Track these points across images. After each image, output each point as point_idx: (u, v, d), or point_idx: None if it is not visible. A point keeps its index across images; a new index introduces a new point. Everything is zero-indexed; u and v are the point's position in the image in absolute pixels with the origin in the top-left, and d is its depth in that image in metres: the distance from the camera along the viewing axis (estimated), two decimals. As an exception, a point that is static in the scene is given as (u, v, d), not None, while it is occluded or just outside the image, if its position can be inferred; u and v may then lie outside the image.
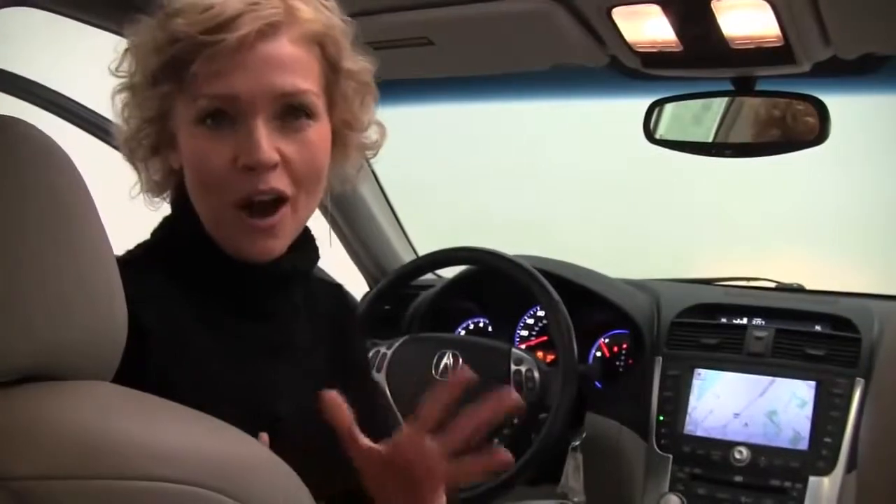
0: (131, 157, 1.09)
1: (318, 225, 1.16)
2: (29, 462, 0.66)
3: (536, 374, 1.88)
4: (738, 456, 1.83)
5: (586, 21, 1.42)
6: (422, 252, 2.40)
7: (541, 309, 2.18)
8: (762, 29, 1.36)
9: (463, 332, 2.31)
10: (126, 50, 1.05)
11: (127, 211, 1.11)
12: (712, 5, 1.32)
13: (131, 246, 1.09)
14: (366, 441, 0.97)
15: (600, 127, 2.89)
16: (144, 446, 0.70)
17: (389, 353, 1.95)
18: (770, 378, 1.88)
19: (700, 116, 1.71)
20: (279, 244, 1.04)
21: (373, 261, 2.42)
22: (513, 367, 1.89)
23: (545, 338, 2.22)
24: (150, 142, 1.07)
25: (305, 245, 1.12)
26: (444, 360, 1.93)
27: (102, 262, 0.77)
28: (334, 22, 1.06)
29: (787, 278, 2.24)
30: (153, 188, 1.11)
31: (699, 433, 1.89)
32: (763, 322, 1.98)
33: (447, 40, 1.57)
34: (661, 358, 1.99)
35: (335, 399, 0.95)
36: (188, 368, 0.85)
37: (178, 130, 1.04)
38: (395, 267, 2.31)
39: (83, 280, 0.74)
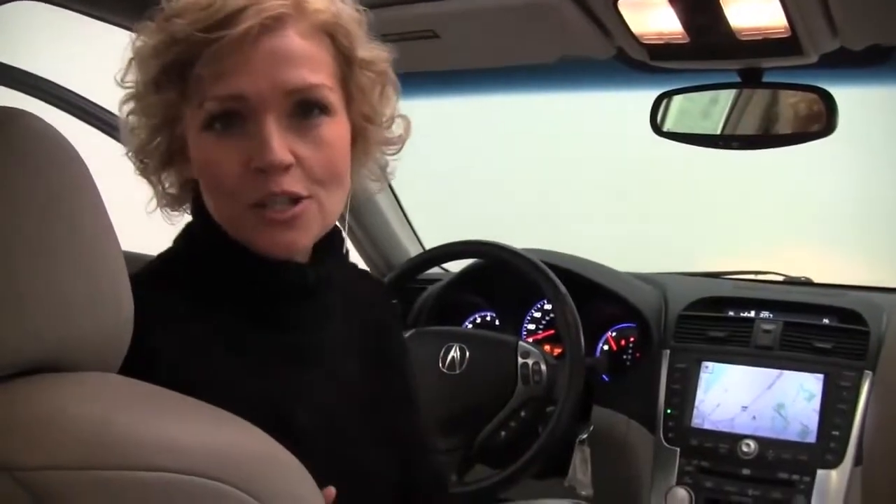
0: (144, 171, 1.05)
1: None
2: (36, 453, 0.66)
3: (543, 368, 1.88)
4: (745, 449, 1.83)
5: (592, 13, 1.42)
6: (429, 245, 2.40)
7: (548, 302, 2.18)
8: (769, 20, 1.35)
9: (470, 326, 2.32)
10: (130, 59, 1.01)
11: (131, 209, 1.09)
12: (719, -4, 1.32)
13: (133, 244, 1.08)
14: None
15: (608, 120, 2.89)
16: (151, 437, 0.70)
17: (397, 346, 1.94)
18: (778, 371, 1.88)
19: (708, 110, 1.71)
20: (300, 237, 1.00)
21: (379, 254, 2.42)
22: (520, 361, 1.88)
23: (552, 331, 2.22)
24: (161, 152, 1.03)
25: (331, 249, 1.08)
26: (452, 354, 1.93)
27: (108, 253, 0.77)
28: (345, 10, 1.02)
29: (795, 271, 2.24)
30: (170, 202, 1.07)
31: (707, 426, 1.88)
32: (771, 315, 1.98)
33: (453, 33, 1.57)
34: (668, 351, 1.98)
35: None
36: (202, 386, 0.81)
37: (188, 138, 1.00)
38: (402, 260, 2.31)
39: (89, 272, 0.74)
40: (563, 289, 1.89)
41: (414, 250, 2.45)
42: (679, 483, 1.87)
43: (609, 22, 1.44)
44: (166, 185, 1.06)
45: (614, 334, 2.16)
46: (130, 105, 1.02)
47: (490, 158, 3.32)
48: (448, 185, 3.24)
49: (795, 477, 1.78)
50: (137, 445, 0.69)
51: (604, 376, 2.09)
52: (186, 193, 1.06)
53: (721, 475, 1.85)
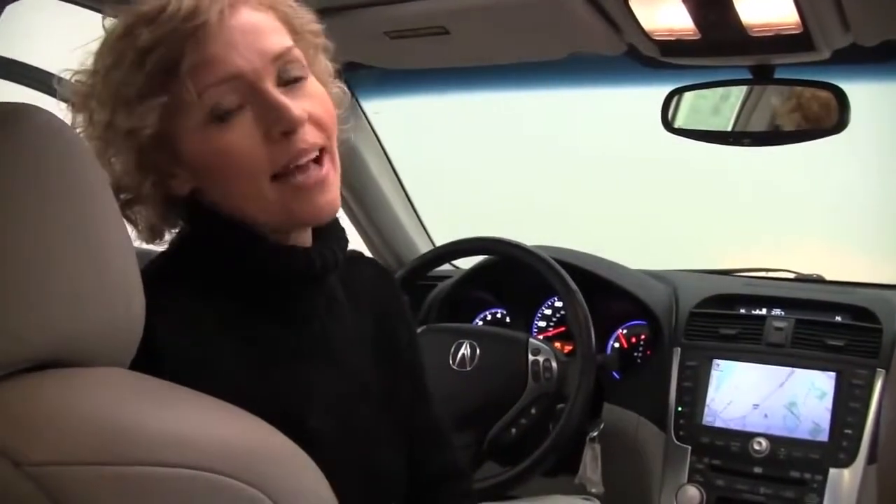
0: (125, 206, 1.02)
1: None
2: (46, 448, 0.66)
3: (554, 365, 1.88)
4: (757, 447, 1.82)
5: (603, 9, 1.42)
6: (439, 242, 2.40)
7: (559, 299, 2.17)
8: (781, 16, 1.35)
9: (480, 323, 2.31)
10: (84, 96, 1.00)
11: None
12: (730, -8, 1.31)
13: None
14: None
15: (620, 116, 2.88)
16: (161, 432, 0.70)
17: (407, 343, 1.94)
18: (790, 369, 1.87)
19: (718, 106, 1.70)
20: (334, 197, 1.03)
21: (389, 250, 2.42)
22: (530, 358, 1.88)
23: (563, 328, 2.21)
24: (145, 176, 1.01)
25: (332, 234, 1.09)
26: (462, 351, 1.93)
27: (119, 248, 0.77)
28: None
29: (807, 269, 2.23)
30: (153, 232, 1.06)
31: (718, 424, 1.88)
32: (783, 312, 1.97)
33: (464, 30, 1.57)
34: (679, 349, 1.98)
35: None
36: (209, 384, 0.81)
37: (183, 146, 1.00)
38: (412, 256, 2.31)
39: (100, 267, 0.75)
40: (573, 286, 1.89)
41: (424, 247, 2.45)
42: (690, 481, 1.86)
43: (620, 18, 1.44)
44: (146, 214, 1.05)
45: (625, 331, 2.16)
46: (101, 137, 1.00)
47: (500, 155, 3.31)
48: (459, 181, 3.24)
49: (808, 475, 1.78)
50: (148, 441, 0.69)
51: (614, 374, 2.08)
52: (169, 217, 1.06)
53: (732, 473, 1.84)
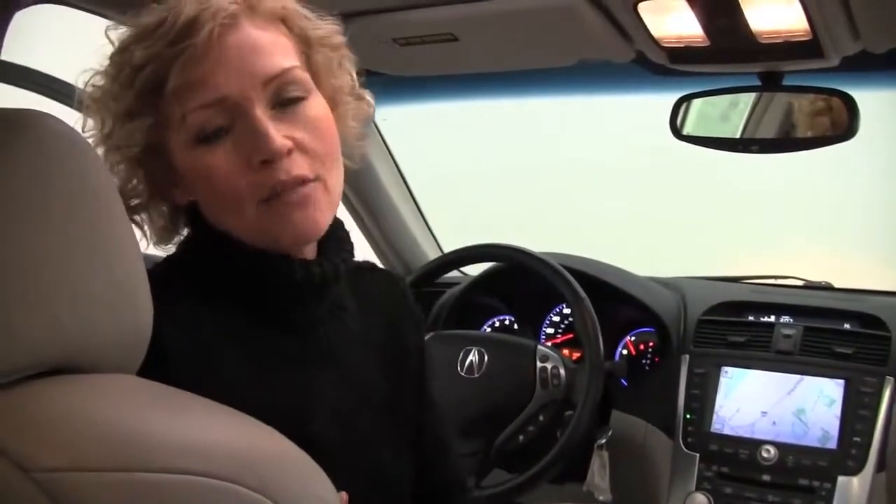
0: (129, 211, 1.01)
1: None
2: (54, 454, 0.66)
3: (562, 372, 1.88)
4: (765, 455, 1.82)
5: (612, 16, 1.42)
6: (447, 248, 2.40)
7: (567, 306, 2.17)
8: (790, 23, 1.35)
9: (489, 330, 2.31)
10: (87, 107, 1.00)
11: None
12: (739, -1, 1.31)
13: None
14: None
15: (628, 123, 2.88)
16: (168, 439, 0.70)
17: (415, 350, 1.94)
18: (798, 376, 1.87)
19: (727, 113, 1.70)
20: (319, 216, 0.99)
21: (397, 256, 2.42)
22: (538, 365, 1.88)
23: (571, 335, 2.21)
24: (147, 184, 1.02)
25: (336, 244, 1.08)
26: (470, 358, 1.93)
27: (127, 255, 0.77)
28: None
29: (816, 276, 2.22)
30: (161, 236, 1.07)
31: (726, 431, 1.87)
32: (791, 320, 1.96)
33: (472, 37, 1.57)
34: (687, 356, 1.98)
35: None
36: (211, 389, 0.81)
37: (175, 160, 0.99)
38: (420, 263, 2.31)
39: (108, 273, 0.74)
40: (582, 293, 1.88)
41: (432, 253, 2.45)
42: (698, 489, 1.86)
43: (629, 25, 1.43)
44: (154, 220, 1.05)
45: (633, 338, 2.16)
46: (103, 147, 1.00)
47: (509, 162, 3.31)
48: (467, 188, 3.24)
49: (816, 483, 1.77)
50: (155, 447, 0.69)
51: (623, 381, 2.08)
52: (177, 223, 1.07)
53: (741, 481, 1.84)
